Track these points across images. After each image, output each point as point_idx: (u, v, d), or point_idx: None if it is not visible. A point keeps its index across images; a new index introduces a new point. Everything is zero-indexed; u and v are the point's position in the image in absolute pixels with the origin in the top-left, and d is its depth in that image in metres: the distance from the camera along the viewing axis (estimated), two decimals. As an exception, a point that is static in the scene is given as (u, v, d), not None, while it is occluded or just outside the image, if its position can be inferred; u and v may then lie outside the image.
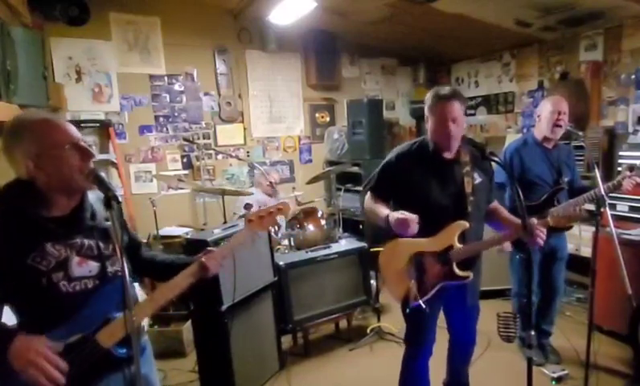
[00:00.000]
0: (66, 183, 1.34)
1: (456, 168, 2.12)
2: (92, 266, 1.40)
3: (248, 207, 3.91)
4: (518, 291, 3.09)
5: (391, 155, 2.23)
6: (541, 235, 1.98)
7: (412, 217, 1.93)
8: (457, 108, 2.04)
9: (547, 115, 2.75)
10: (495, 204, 2.30)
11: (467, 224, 2.05)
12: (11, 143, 1.32)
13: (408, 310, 2.14)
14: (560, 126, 2.72)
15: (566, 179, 2.80)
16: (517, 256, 2.99)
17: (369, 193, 2.26)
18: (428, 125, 2.12)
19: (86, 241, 1.39)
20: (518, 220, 2.07)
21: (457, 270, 2.10)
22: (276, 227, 4.00)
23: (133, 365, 1.37)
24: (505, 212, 2.27)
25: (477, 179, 2.13)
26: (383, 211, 2.10)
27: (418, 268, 2.10)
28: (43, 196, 1.33)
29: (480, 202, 2.16)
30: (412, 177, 2.12)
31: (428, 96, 2.11)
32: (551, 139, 2.80)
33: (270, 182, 4.53)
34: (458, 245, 2.07)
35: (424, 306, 2.08)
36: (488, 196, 2.24)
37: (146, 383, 1.51)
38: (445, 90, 2.08)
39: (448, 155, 2.12)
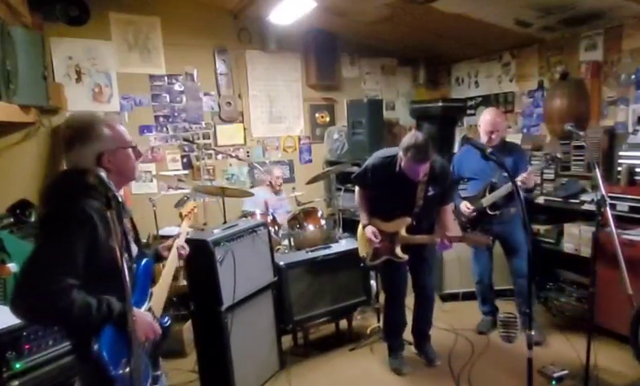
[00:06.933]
0: (126, 174, 1.62)
1: (414, 182, 2.72)
2: (135, 248, 1.69)
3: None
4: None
5: (369, 162, 2.94)
6: (445, 243, 2.75)
7: (375, 237, 2.89)
8: (427, 166, 2.63)
9: (482, 131, 3.25)
10: (445, 208, 2.93)
11: (410, 220, 2.81)
12: (89, 136, 1.51)
13: (362, 265, 3.28)
14: (493, 139, 3.21)
15: (504, 176, 3.18)
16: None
17: (357, 187, 3.06)
18: (402, 161, 2.65)
19: (129, 227, 1.66)
20: (442, 230, 2.85)
21: (398, 251, 2.85)
22: (276, 227, 4.01)
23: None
24: (445, 218, 2.91)
25: (431, 192, 2.78)
26: (364, 217, 3.00)
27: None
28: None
29: (431, 206, 2.84)
30: (381, 183, 2.85)
31: (405, 146, 2.60)
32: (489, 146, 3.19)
33: (270, 182, 4.54)
34: (404, 234, 2.83)
35: (368, 265, 3.10)
36: (440, 201, 2.88)
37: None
38: (422, 151, 2.54)
39: None
